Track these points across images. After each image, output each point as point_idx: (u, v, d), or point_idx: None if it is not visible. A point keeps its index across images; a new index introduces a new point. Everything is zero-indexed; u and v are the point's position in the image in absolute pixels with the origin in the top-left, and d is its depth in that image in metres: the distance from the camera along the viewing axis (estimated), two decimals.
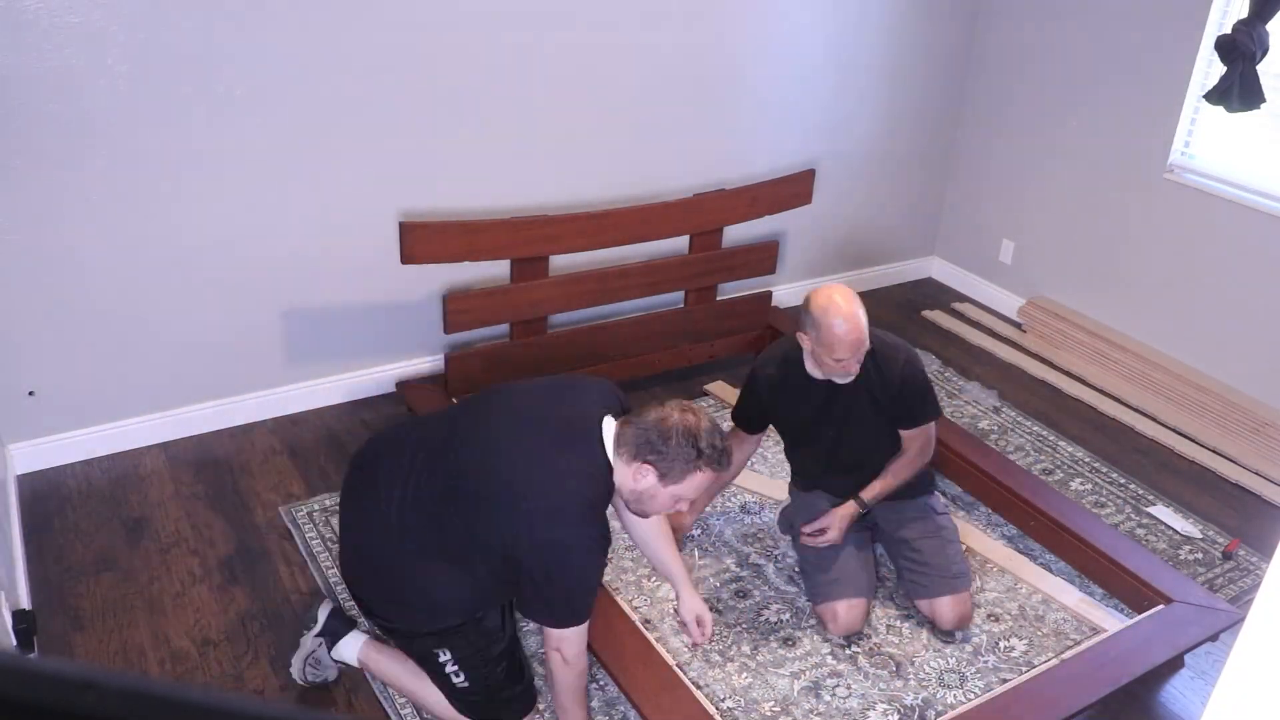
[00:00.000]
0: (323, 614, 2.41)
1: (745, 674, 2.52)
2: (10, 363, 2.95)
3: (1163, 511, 3.23)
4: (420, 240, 3.05)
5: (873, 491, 2.66)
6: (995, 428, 3.65)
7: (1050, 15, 4.07)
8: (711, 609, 2.70)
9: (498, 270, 3.44)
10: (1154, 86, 3.76)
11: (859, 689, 2.49)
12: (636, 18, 3.50)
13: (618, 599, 2.49)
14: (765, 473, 3.27)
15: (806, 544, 2.67)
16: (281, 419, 3.42)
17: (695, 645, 2.54)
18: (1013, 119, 4.32)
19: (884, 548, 2.86)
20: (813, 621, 2.69)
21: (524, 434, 2.05)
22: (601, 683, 2.45)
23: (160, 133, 2.89)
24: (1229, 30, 3.36)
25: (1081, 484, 3.36)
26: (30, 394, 3.01)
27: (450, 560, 2.07)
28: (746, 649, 2.59)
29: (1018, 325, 4.38)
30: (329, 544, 2.85)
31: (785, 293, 4.33)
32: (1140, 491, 3.33)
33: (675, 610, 2.56)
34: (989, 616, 2.75)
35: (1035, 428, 3.66)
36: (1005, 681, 2.50)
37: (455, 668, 2.17)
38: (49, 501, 2.97)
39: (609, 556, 2.42)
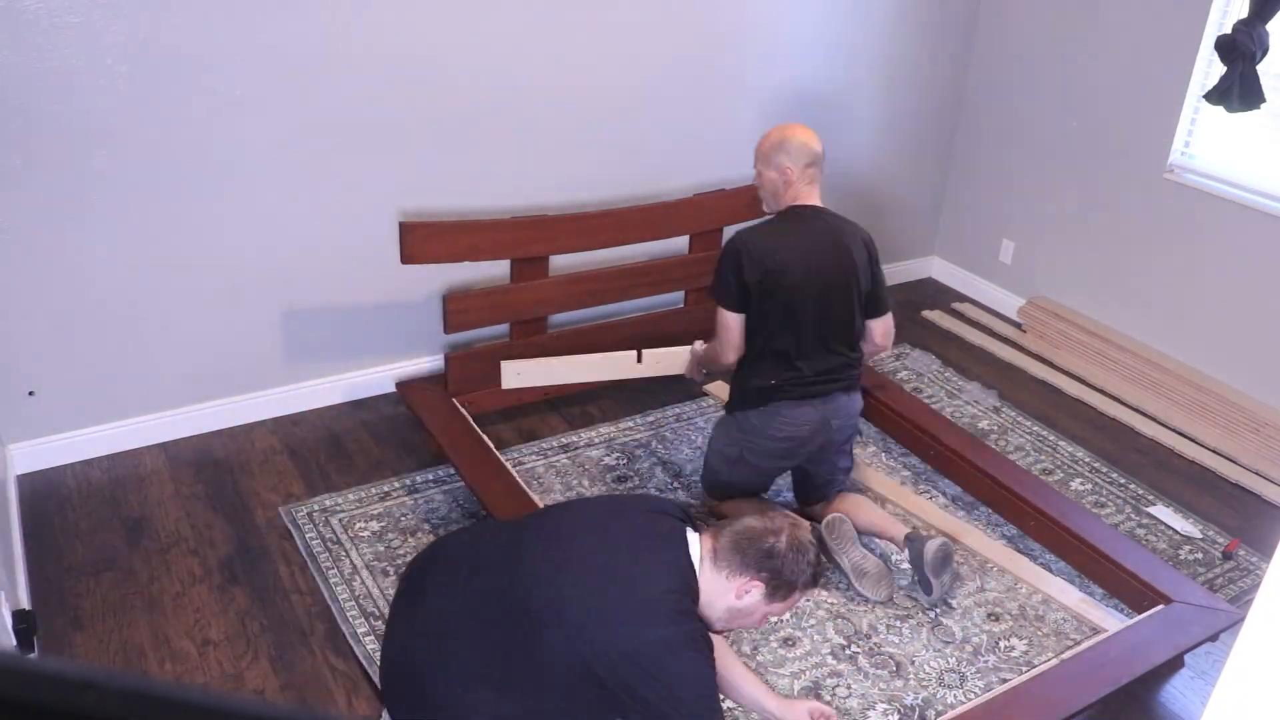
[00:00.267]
0: None
1: None
2: (10, 363, 2.95)
3: (1163, 511, 3.23)
4: (420, 240, 3.05)
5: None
6: (995, 428, 3.65)
7: (1050, 15, 4.07)
8: None
9: (498, 270, 3.44)
10: (1154, 86, 3.76)
11: (859, 689, 2.49)
12: (637, 17, 3.50)
13: None
14: None
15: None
16: (281, 419, 3.42)
17: None
18: (1013, 119, 4.32)
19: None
20: (813, 621, 2.69)
21: (596, 543, 1.86)
22: None
23: (160, 133, 2.89)
24: (1229, 30, 3.36)
25: (1081, 484, 3.36)
26: (30, 394, 3.01)
27: (498, 689, 1.81)
28: (746, 649, 2.59)
29: (1018, 325, 4.38)
30: (329, 544, 2.85)
31: None
32: (1140, 491, 3.34)
33: None
34: (989, 616, 2.75)
35: (1035, 428, 3.66)
36: (1005, 681, 2.50)
37: None
38: (49, 501, 2.97)
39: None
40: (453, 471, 3.13)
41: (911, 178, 4.55)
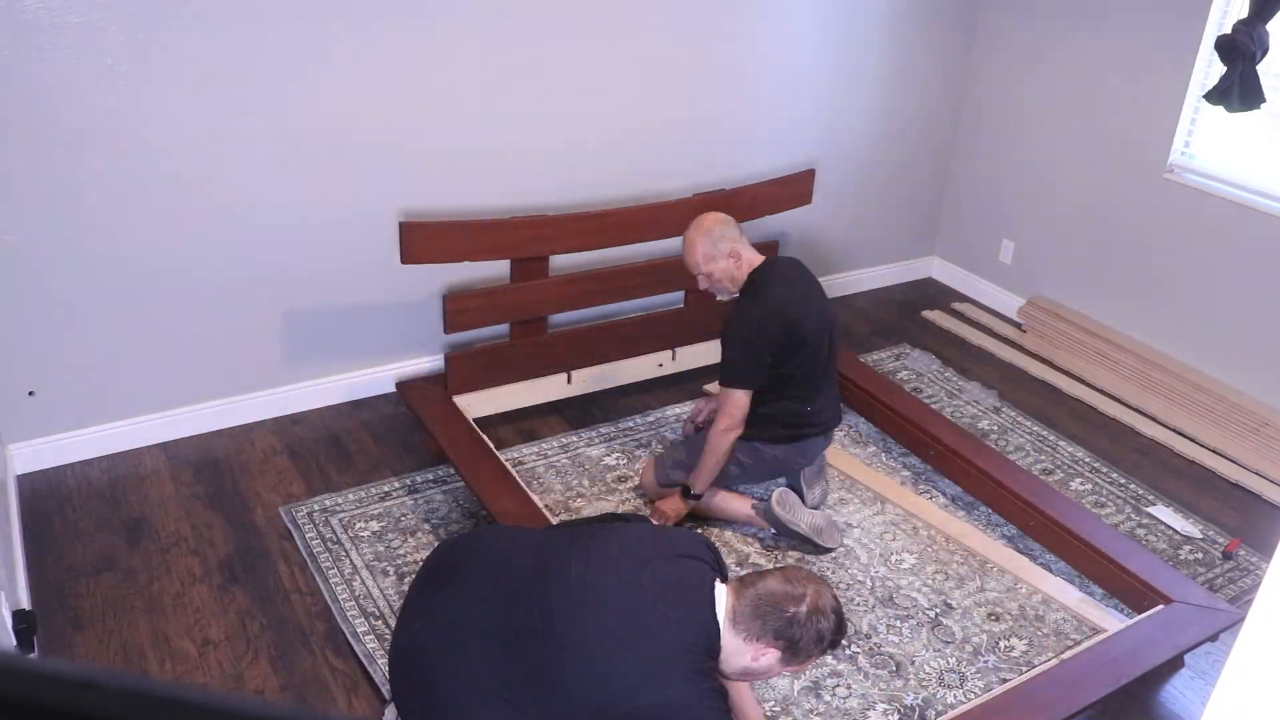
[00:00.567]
0: None
1: None
2: (10, 363, 2.95)
3: (1163, 511, 3.23)
4: (420, 240, 3.05)
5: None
6: (995, 428, 3.65)
7: (1050, 15, 4.07)
8: None
9: (498, 270, 3.44)
10: (1154, 86, 3.76)
11: (859, 689, 2.49)
12: (637, 17, 3.50)
13: None
14: None
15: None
16: (281, 419, 3.42)
17: None
18: (1013, 119, 4.32)
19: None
20: None
21: (626, 585, 1.86)
22: None
23: (160, 133, 2.89)
24: (1229, 30, 3.36)
25: (1081, 484, 3.36)
26: (30, 394, 3.01)
27: (515, 707, 1.83)
28: None
29: (1018, 325, 4.38)
30: (329, 544, 2.85)
31: None
32: (1140, 491, 3.34)
33: None
34: (989, 616, 2.75)
35: (1035, 428, 3.66)
36: (1005, 681, 2.50)
37: None
38: (49, 501, 2.97)
39: None
40: (453, 471, 3.12)
41: (911, 178, 4.55)
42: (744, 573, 2.04)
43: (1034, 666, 2.56)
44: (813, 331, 2.80)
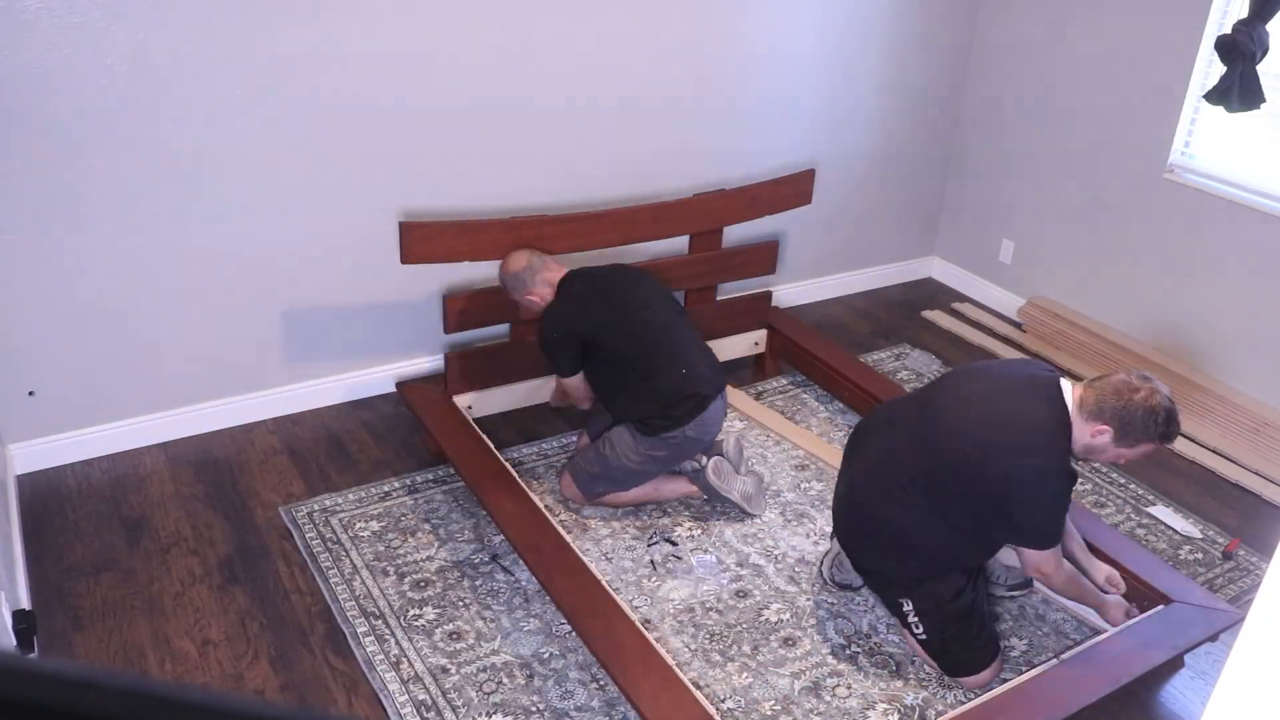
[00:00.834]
0: None
1: (745, 674, 2.52)
2: (10, 363, 2.95)
3: (1163, 511, 3.23)
4: (420, 240, 3.05)
5: None
6: None
7: (1050, 15, 4.07)
8: (711, 609, 2.71)
9: (497, 270, 3.43)
10: (1154, 86, 3.76)
11: (859, 689, 2.50)
12: (637, 17, 3.50)
13: (618, 599, 2.48)
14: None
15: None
16: (281, 419, 3.42)
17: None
18: (1013, 119, 4.32)
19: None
20: (813, 621, 2.69)
21: (989, 394, 2.41)
22: (602, 683, 2.46)
23: (160, 133, 2.90)
24: (1229, 30, 3.36)
25: (1081, 484, 3.35)
26: (30, 394, 3.01)
27: (924, 516, 2.40)
28: (746, 649, 2.59)
29: (1018, 325, 4.38)
30: (329, 544, 2.85)
31: (785, 293, 4.33)
32: (1140, 491, 3.34)
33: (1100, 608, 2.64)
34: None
35: None
36: (1005, 681, 2.50)
37: (915, 618, 2.50)
38: (49, 501, 2.97)
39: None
40: (453, 471, 3.13)
41: (911, 178, 4.55)
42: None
43: (1034, 666, 2.56)
44: (616, 309, 2.97)
